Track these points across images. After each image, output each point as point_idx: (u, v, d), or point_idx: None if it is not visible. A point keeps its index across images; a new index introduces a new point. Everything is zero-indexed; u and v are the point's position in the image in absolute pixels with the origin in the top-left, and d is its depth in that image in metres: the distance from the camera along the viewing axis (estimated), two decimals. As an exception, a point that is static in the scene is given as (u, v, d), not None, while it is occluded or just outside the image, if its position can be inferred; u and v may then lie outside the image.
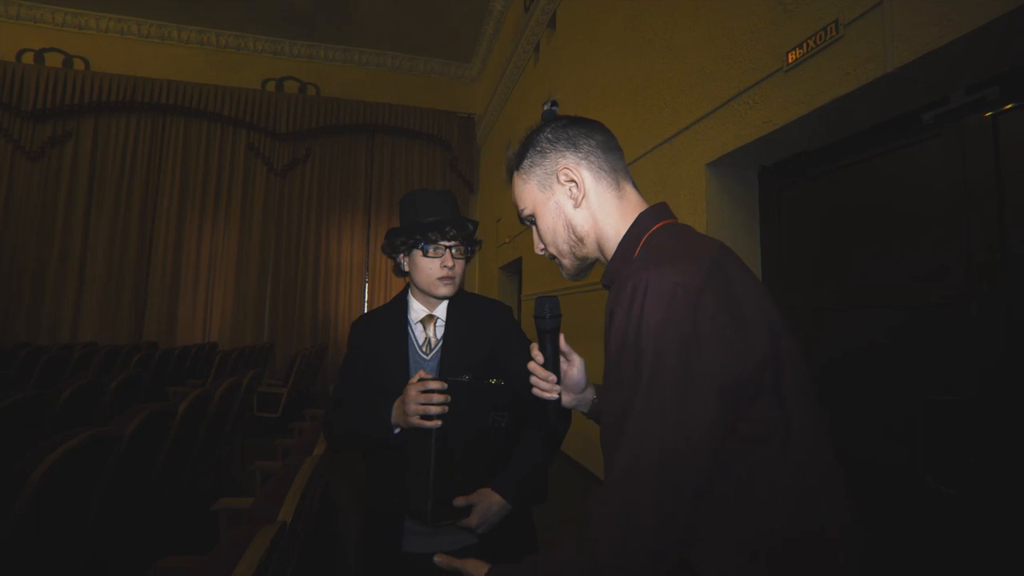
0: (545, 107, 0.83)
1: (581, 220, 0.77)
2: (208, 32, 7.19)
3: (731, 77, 2.18)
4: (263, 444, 3.58)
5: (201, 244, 7.21)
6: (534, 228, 0.84)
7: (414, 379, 1.02)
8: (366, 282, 7.81)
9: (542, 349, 0.81)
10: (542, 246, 0.83)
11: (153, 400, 3.53)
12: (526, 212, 0.82)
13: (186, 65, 7.09)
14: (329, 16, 6.89)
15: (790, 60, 1.84)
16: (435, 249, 1.16)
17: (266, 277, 7.38)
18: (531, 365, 0.81)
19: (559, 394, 0.82)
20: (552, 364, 0.81)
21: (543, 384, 0.81)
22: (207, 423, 2.57)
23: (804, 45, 1.78)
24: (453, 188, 8.04)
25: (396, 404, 1.04)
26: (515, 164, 0.82)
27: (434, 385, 0.98)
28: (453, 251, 1.18)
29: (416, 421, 0.98)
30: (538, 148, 0.79)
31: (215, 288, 7.23)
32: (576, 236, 0.77)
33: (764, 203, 2.38)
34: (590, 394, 0.92)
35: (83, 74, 6.61)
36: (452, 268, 1.17)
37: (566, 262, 0.81)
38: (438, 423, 0.98)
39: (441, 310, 1.24)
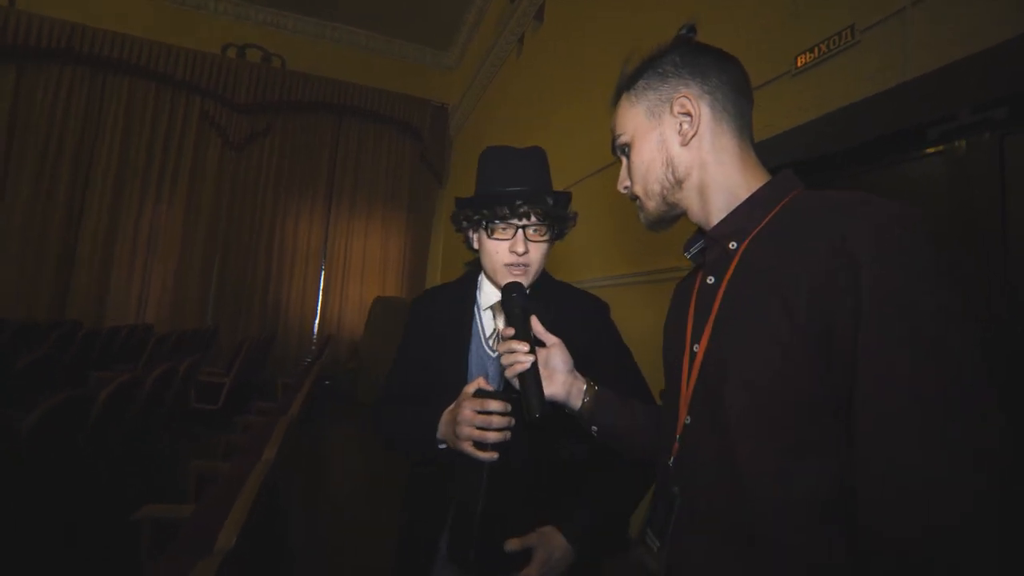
0: (682, 31, 0.70)
1: (685, 161, 0.66)
2: (163, -15, 6.59)
3: (732, 79, 2.11)
4: (201, 440, 3.25)
5: (141, 216, 6.57)
6: (624, 161, 0.72)
7: (470, 387, 0.81)
8: (322, 269, 7.41)
9: (511, 324, 0.79)
10: (627, 183, 0.72)
11: (72, 386, 3.13)
12: (622, 139, 0.71)
13: (133, 18, 6.43)
14: (300, -15, 6.49)
15: (799, 64, 1.78)
16: (503, 228, 0.91)
17: (213, 256, 6.83)
18: (501, 345, 0.78)
19: (533, 362, 0.76)
20: (522, 336, 0.78)
21: (513, 356, 0.75)
22: (135, 415, 2.26)
23: (816, 49, 1.72)
24: (421, 179, 7.78)
25: (446, 415, 0.84)
26: (627, 83, 0.71)
27: (495, 405, 0.78)
28: (528, 231, 0.91)
29: (468, 448, 0.78)
30: (659, 70, 0.67)
31: (154, 265, 6.62)
32: (674, 178, 0.66)
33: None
34: (581, 383, 0.81)
35: (4, 11, 5.85)
36: (524, 254, 0.91)
37: (651, 205, 0.69)
38: (494, 455, 0.77)
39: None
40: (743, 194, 0.64)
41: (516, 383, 0.76)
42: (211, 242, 6.81)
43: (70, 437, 1.75)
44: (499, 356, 0.93)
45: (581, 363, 0.84)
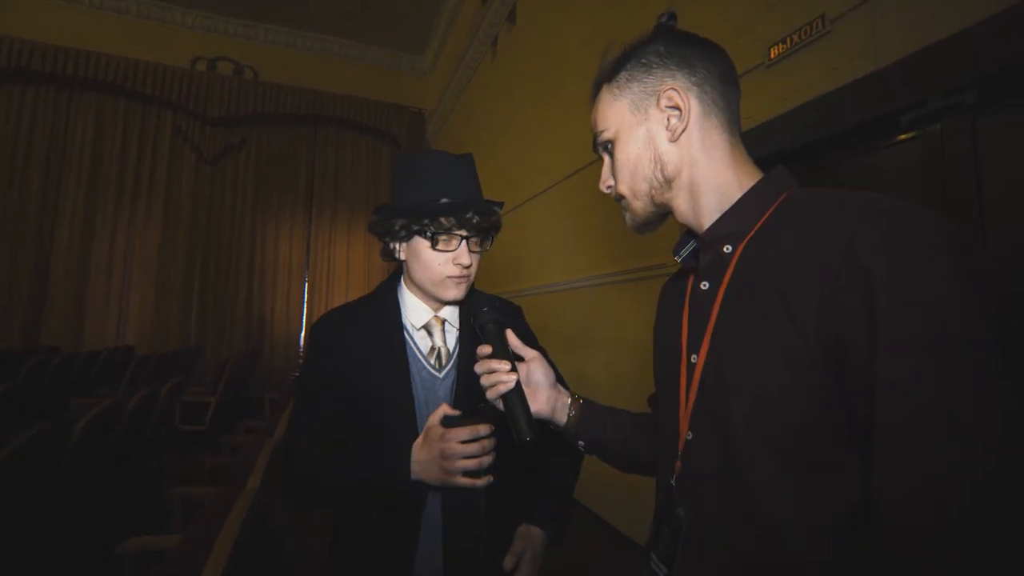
0: (661, 18, 0.65)
1: (675, 159, 0.61)
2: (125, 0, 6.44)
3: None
4: (188, 462, 3.17)
5: (116, 236, 6.41)
6: (606, 159, 0.67)
7: (435, 417, 0.77)
8: (305, 281, 7.31)
9: (488, 342, 0.75)
10: (611, 182, 0.67)
11: (50, 415, 3.03)
12: (605, 135, 0.65)
13: (99, 34, 6.28)
14: (269, -6, 6.39)
15: (772, 55, 1.79)
16: (447, 239, 0.86)
17: (193, 274, 6.69)
18: (478, 365, 0.74)
19: (517, 381, 0.72)
20: (501, 354, 0.74)
21: (495, 376, 0.71)
22: (117, 443, 2.19)
23: (788, 40, 1.73)
24: (402, 184, 7.71)
25: (420, 455, 0.77)
26: (608, 75, 0.65)
27: (484, 429, 0.76)
28: (470, 242, 0.88)
29: (461, 481, 0.74)
30: (643, 60, 0.62)
31: (132, 285, 6.45)
32: (663, 176, 0.62)
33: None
34: (565, 397, 0.77)
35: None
36: (469, 267, 0.88)
37: (638, 205, 0.65)
38: (489, 478, 0.76)
39: (450, 310, 0.96)
40: (735, 193, 0.60)
41: (499, 404, 0.72)
42: (190, 259, 6.67)
43: (47, 472, 1.68)
44: (446, 375, 0.91)
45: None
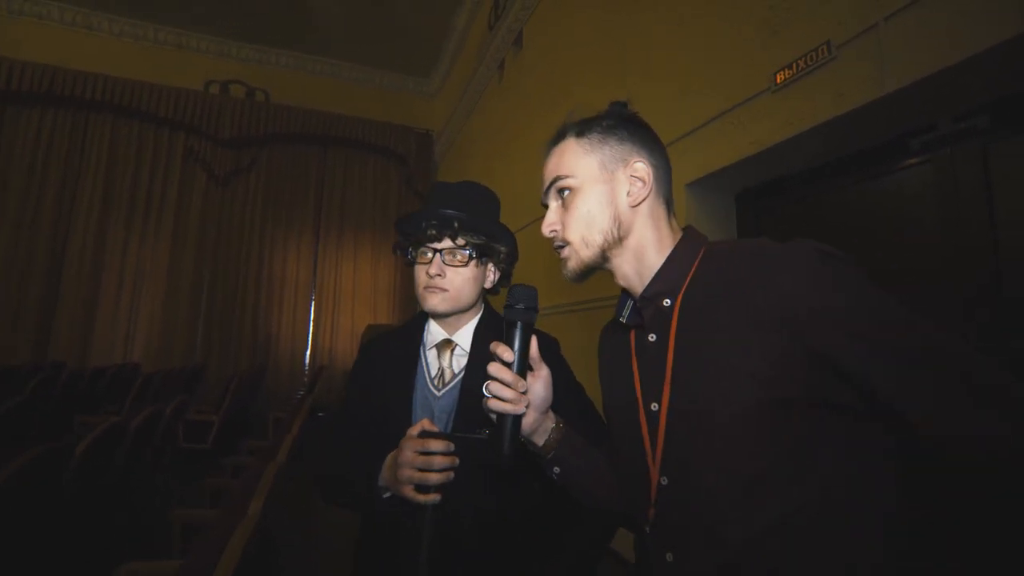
0: (617, 106, 0.74)
1: (629, 220, 0.69)
2: (144, 26, 6.63)
3: (713, 97, 2.14)
4: (189, 484, 3.13)
5: (127, 254, 6.48)
6: (554, 204, 0.73)
7: (414, 429, 0.78)
8: (312, 299, 7.33)
9: (510, 345, 0.67)
10: (557, 227, 0.72)
11: (55, 432, 3.01)
12: (568, 183, 0.71)
13: (116, 59, 6.46)
14: (282, 21, 6.56)
15: (778, 80, 1.80)
16: (424, 253, 0.93)
17: (200, 292, 6.73)
18: (493, 367, 0.67)
19: (525, 409, 0.67)
20: (520, 367, 0.68)
21: (507, 392, 0.65)
22: (118, 463, 2.17)
23: (794, 66, 1.75)
24: (408, 205, 7.77)
25: (389, 459, 0.79)
26: (579, 129, 0.73)
27: (436, 445, 0.74)
28: (446, 256, 0.92)
29: (408, 492, 0.74)
30: (615, 132, 0.71)
31: (140, 303, 6.50)
32: (617, 234, 0.69)
33: (742, 226, 2.34)
34: (551, 421, 0.75)
35: (-14, 60, 5.87)
36: (436, 276, 0.91)
37: (586, 254, 0.70)
38: (436, 497, 0.73)
39: (464, 335, 0.97)
40: (667, 253, 0.69)
41: (492, 414, 0.70)
42: (198, 277, 6.72)
43: (48, 493, 1.66)
44: (444, 395, 0.90)
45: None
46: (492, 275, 1.00)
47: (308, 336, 7.25)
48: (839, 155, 1.87)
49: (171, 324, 6.56)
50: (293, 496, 3.59)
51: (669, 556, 0.61)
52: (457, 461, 0.76)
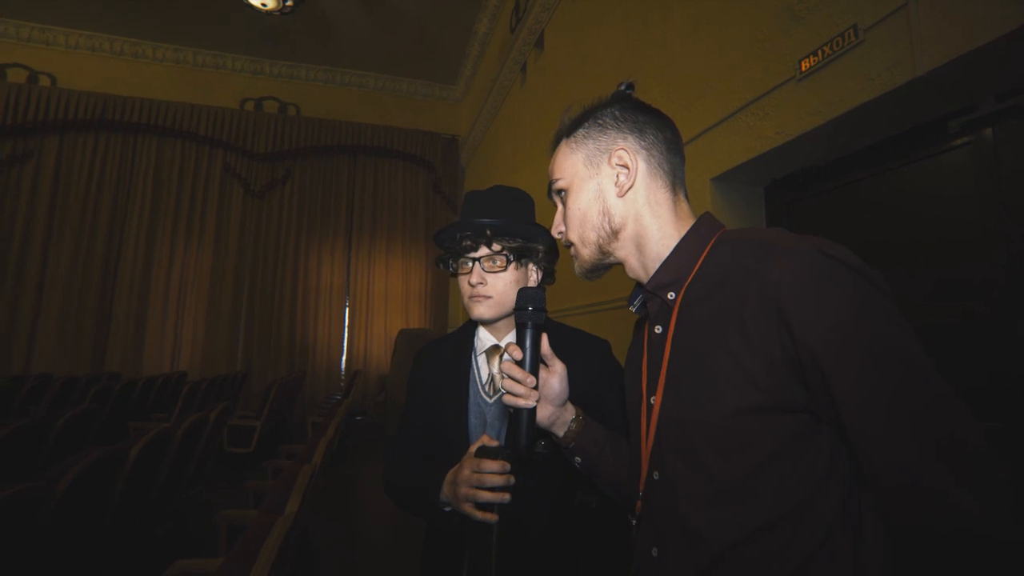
0: (621, 87, 0.73)
1: (621, 212, 0.68)
2: (184, 51, 6.99)
3: (737, 88, 2.09)
4: (233, 486, 3.28)
5: (172, 268, 6.86)
6: (559, 206, 0.74)
7: (473, 447, 0.79)
8: (346, 306, 7.53)
9: (521, 345, 0.72)
10: (562, 228, 0.73)
11: (111, 438, 3.21)
12: (559, 184, 0.72)
13: (160, 83, 6.87)
14: (310, 37, 6.78)
15: (803, 68, 1.75)
16: (464, 264, 0.94)
17: (240, 302, 7.04)
18: (505, 365, 0.73)
19: (536, 402, 0.71)
20: (532, 364, 0.72)
21: (518, 388, 0.70)
22: (166, 468, 2.30)
23: (820, 52, 1.69)
24: (435, 210, 7.90)
25: (450, 475, 0.80)
26: (567, 130, 0.74)
27: (491, 465, 0.75)
28: (485, 263, 0.93)
29: (468, 509, 0.76)
30: (599, 121, 0.71)
31: (186, 315, 6.86)
32: (610, 227, 0.68)
33: (772, 218, 2.28)
34: (569, 414, 0.77)
35: (47, 90, 6.32)
36: (478, 284, 0.92)
37: (586, 253, 0.70)
38: (494, 517, 0.75)
39: (511, 340, 0.99)
40: (675, 243, 0.66)
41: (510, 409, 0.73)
42: (238, 289, 7.02)
43: (103, 496, 1.77)
44: (495, 402, 0.91)
45: (586, 406, 0.82)
46: (535, 275, 1.00)
47: (343, 341, 7.45)
48: (872, 141, 1.79)
49: (214, 334, 6.88)
50: (333, 498, 3.70)
51: (654, 551, 0.60)
52: (513, 480, 0.76)
